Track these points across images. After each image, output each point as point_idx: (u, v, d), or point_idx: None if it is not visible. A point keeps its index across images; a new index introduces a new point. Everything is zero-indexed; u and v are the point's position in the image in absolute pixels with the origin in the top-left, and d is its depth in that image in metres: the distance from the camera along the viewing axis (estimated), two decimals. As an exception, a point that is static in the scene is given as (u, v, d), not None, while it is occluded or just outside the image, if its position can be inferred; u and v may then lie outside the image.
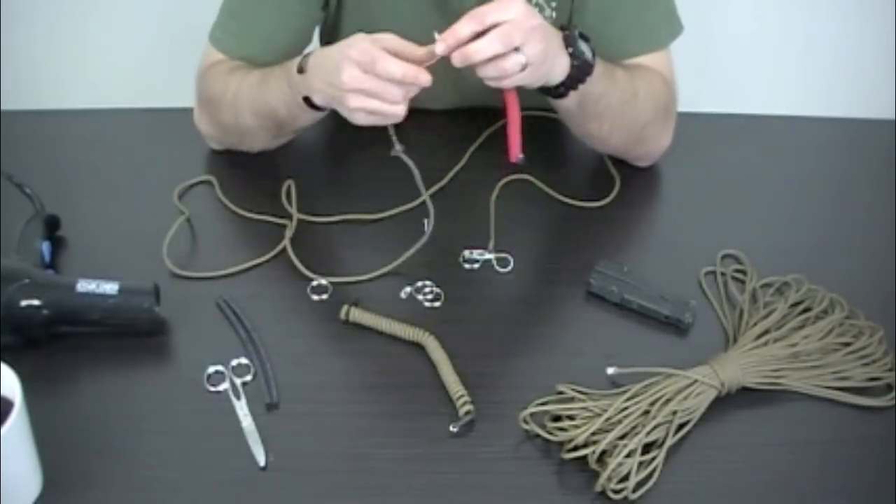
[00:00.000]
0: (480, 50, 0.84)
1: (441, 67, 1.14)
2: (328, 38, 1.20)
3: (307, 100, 0.96)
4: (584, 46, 0.94)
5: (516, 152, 0.91)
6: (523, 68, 0.86)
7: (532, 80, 0.89)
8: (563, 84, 0.94)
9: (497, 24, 0.84)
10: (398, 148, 0.91)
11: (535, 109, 1.14)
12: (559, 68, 0.92)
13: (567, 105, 0.98)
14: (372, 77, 0.85)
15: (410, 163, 0.91)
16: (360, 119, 0.88)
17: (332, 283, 0.93)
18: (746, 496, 0.77)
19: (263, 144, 1.08)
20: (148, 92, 1.20)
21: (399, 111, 0.87)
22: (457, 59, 0.86)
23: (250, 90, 1.02)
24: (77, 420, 0.80)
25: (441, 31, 1.10)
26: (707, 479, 0.78)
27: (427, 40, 1.14)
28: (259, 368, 0.85)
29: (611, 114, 1.00)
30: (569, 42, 0.92)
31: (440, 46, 0.85)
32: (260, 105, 1.01)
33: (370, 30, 1.12)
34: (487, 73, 0.87)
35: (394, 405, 0.83)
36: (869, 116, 1.21)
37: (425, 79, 0.85)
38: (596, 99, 0.98)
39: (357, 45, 0.87)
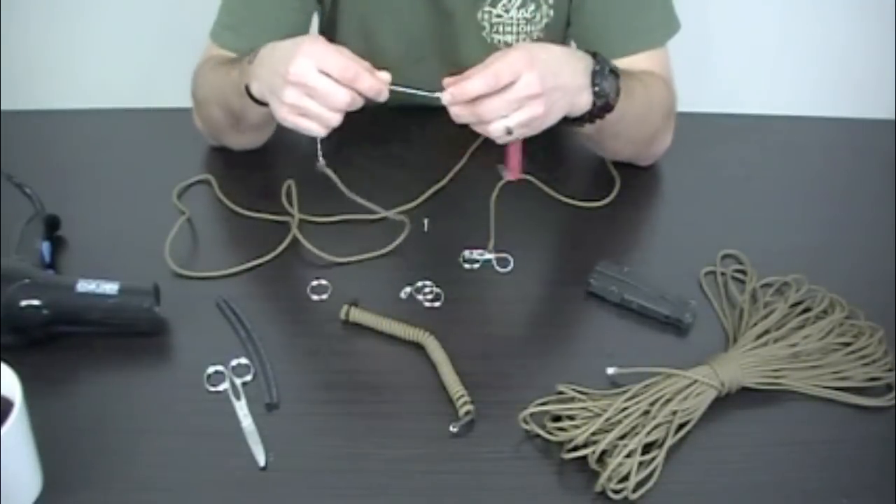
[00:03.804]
0: (456, 116, 0.85)
1: (441, 63, 1.15)
2: (326, 35, 1.20)
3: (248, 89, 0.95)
4: (612, 83, 0.91)
5: (516, 173, 0.91)
6: (509, 132, 0.85)
7: (529, 134, 0.87)
8: (580, 119, 0.92)
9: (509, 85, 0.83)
10: (322, 162, 0.89)
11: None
12: (579, 106, 0.90)
13: (586, 132, 0.97)
14: (323, 77, 0.83)
15: (334, 176, 0.90)
16: (286, 117, 0.86)
17: (335, 261, 0.94)
18: (746, 496, 0.77)
19: (234, 141, 1.08)
20: (148, 92, 1.20)
21: (335, 120, 0.85)
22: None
23: (216, 80, 1.02)
24: (77, 420, 0.80)
25: (445, 66, 1.09)
26: (707, 479, 0.78)
27: (423, 35, 1.15)
28: (259, 368, 0.85)
29: (627, 130, 1.00)
30: (596, 80, 0.90)
31: (446, 97, 0.85)
32: (219, 95, 1.01)
33: (367, 26, 1.13)
34: (474, 128, 0.86)
35: (394, 405, 0.83)
36: (869, 116, 1.21)
37: (385, 97, 0.85)
38: (615, 121, 0.96)
39: (321, 45, 0.84)
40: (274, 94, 0.86)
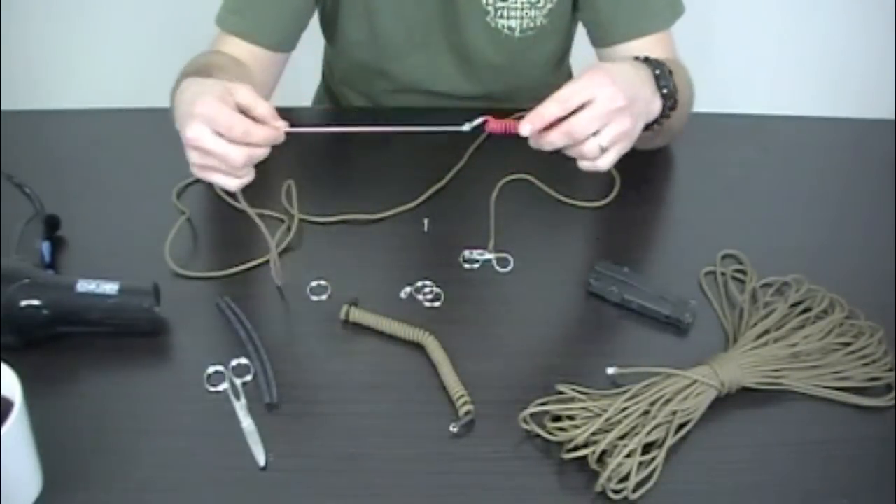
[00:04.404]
0: (550, 142, 0.84)
1: (445, 48, 1.15)
2: (329, 23, 1.20)
3: None
4: (672, 82, 0.93)
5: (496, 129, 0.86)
6: (604, 150, 0.84)
7: (624, 151, 0.86)
8: (653, 122, 0.93)
9: (583, 105, 0.82)
10: (243, 203, 0.88)
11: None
12: (653, 113, 0.91)
13: (649, 134, 0.96)
14: (218, 138, 0.79)
15: (257, 219, 0.89)
16: (197, 174, 0.83)
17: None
18: (746, 496, 0.77)
19: None
20: (148, 92, 1.20)
21: (242, 173, 0.82)
22: (532, 143, 0.85)
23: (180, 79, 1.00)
24: (77, 420, 0.80)
25: (449, 51, 1.07)
26: (707, 479, 0.78)
27: (426, 20, 1.14)
28: (259, 368, 0.85)
29: (678, 121, 1.01)
30: (661, 83, 0.91)
31: (526, 128, 0.83)
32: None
33: (371, 10, 1.13)
34: (571, 155, 0.86)
35: (394, 405, 0.83)
36: (869, 116, 1.21)
37: (282, 139, 0.82)
38: (673, 116, 0.97)
39: (211, 104, 0.80)
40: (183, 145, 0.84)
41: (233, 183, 0.83)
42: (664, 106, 0.92)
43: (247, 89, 0.82)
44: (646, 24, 1.07)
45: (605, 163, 0.85)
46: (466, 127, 0.86)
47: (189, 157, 0.82)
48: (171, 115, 0.92)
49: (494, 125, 0.85)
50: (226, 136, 0.79)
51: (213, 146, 0.79)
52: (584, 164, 0.86)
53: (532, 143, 0.85)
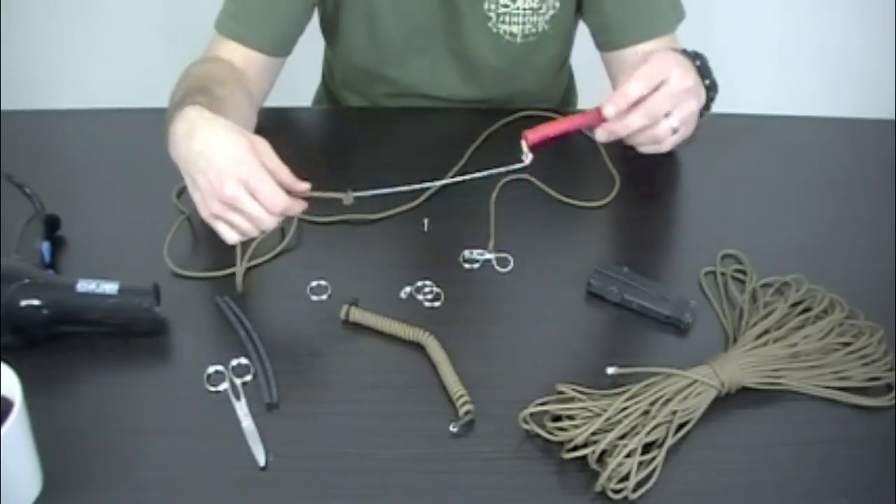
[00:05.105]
0: (627, 125, 0.85)
1: (446, 53, 1.15)
2: (329, 27, 1.20)
3: None
4: (711, 71, 0.94)
5: (535, 138, 0.89)
6: (675, 131, 0.86)
7: (686, 136, 0.89)
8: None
9: (662, 83, 0.85)
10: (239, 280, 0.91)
11: (534, 109, 1.15)
12: (702, 100, 0.93)
13: None
14: (253, 201, 0.81)
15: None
16: (207, 219, 0.85)
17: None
18: (746, 496, 0.77)
19: None
20: (148, 92, 1.20)
21: (235, 240, 0.85)
22: (601, 136, 0.87)
23: (176, 92, 0.99)
24: (77, 420, 0.80)
25: (450, 56, 1.07)
26: (707, 479, 0.78)
27: (427, 24, 1.14)
28: (259, 368, 0.85)
29: (703, 118, 1.01)
30: (704, 73, 0.93)
31: (610, 109, 0.85)
32: (170, 108, 0.97)
33: (371, 14, 1.13)
34: (640, 141, 0.88)
35: (394, 405, 0.83)
36: (869, 116, 1.21)
37: (301, 209, 0.85)
38: None
39: (255, 171, 0.82)
40: (197, 190, 0.84)
41: (236, 238, 0.85)
42: (707, 97, 0.93)
43: (269, 150, 0.84)
44: (652, 27, 1.07)
45: (669, 144, 0.88)
46: (526, 161, 0.89)
47: (208, 204, 0.83)
48: (166, 134, 0.90)
49: (532, 136, 0.88)
50: (264, 205, 0.82)
51: (249, 209, 0.82)
52: (647, 148, 0.88)
53: (601, 135, 0.87)
